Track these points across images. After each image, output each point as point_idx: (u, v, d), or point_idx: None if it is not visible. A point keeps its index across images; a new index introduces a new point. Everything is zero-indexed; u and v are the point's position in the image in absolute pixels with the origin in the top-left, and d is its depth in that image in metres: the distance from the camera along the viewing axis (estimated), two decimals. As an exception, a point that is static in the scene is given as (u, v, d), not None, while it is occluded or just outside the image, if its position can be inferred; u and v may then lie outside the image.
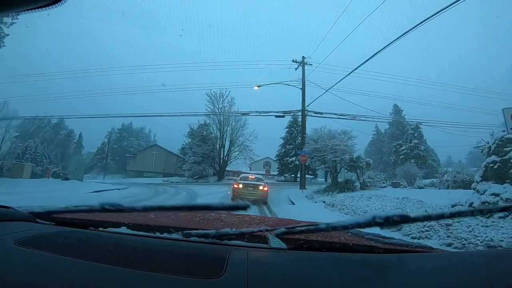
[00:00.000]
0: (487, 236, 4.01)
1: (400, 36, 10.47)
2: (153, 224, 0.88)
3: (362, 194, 9.78)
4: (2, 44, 18.92)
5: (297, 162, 21.33)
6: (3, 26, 18.55)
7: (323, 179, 28.05)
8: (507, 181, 5.15)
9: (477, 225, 4.57)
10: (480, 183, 5.68)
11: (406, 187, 16.63)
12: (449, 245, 4.28)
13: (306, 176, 25.30)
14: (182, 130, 30.42)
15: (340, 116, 20.54)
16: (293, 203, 10.96)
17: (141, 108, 40.96)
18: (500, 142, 5.51)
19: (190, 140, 29.94)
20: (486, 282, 0.61)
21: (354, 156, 14.28)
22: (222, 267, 0.60)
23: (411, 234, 5.05)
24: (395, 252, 0.84)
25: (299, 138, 22.77)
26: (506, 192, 4.88)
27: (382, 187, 15.40)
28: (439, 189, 14.25)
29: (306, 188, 15.90)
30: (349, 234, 1.03)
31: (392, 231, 5.70)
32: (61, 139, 39.70)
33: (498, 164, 5.34)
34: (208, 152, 28.18)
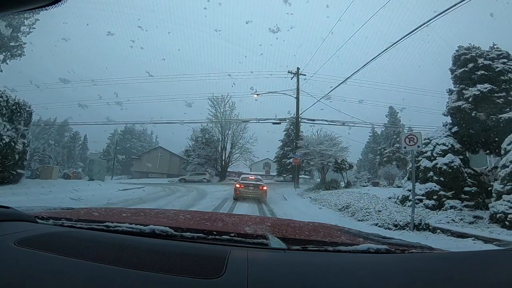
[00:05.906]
0: (395, 218, 6.46)
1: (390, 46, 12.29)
2: (153, 225, 0.87)
3: (337, 191, 12.16)
4: (23, 53, 19.10)
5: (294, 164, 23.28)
6: (20, 35, 18.86)
7: (320, 179, 29.79)
8: (418, 181, 7.46)
9: (396, 211, 7.01)
10: (405, 182, 8.23)
11: (385, 186, 18.61)
12: (376, 224, 6.57)
13: (304, 176, 27.52)
14: (185, 132, 32.00)
15: (330, 123, 23.01)
16: (285, 199, 13.17)
17: (144, 110, 41.85)
18: (416, 154, 7.72)
19: (193, 142, 31.54)
20: (486, 282, 0.60)
21: (339, 160, 16.64)
22: (222, 267, 0.60)
23: (358, 217, 7.45)
24: (395, 252, 0.84)
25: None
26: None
27: (364, 186, 17.56)
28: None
29: (299, 187, 17.94)
30: (350, 234, 1.07)
31: (347, 217, 8.02)
32: (66, 141, 41.49)
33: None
34: (211, 154, 29.97)
